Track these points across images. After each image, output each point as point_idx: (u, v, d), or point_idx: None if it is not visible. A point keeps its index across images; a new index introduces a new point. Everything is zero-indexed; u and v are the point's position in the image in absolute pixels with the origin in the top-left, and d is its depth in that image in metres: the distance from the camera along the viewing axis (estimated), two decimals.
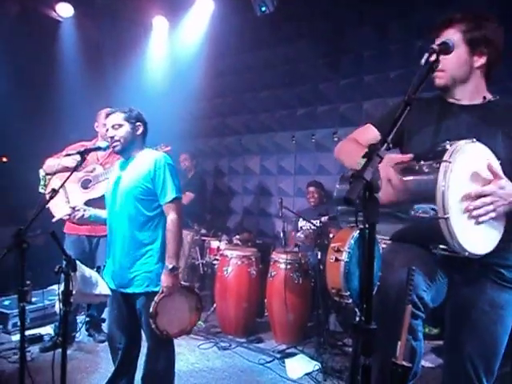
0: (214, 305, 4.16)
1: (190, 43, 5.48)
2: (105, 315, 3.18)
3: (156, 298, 2.23)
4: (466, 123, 1.51)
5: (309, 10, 4.85)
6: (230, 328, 3.95)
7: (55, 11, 5.09)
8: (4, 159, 7.42)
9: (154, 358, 2.36)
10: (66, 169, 2.35)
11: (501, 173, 1.34)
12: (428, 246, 1.34)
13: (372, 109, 4.45)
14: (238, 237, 4.80)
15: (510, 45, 1.60)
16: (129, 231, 2.28)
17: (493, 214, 1.30)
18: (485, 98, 1.55)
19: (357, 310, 1.54)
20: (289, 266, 3.74)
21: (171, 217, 2.28)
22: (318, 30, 4.84)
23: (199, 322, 4.08)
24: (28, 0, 4.91)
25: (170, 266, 2.24)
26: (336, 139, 4.48)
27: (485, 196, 1.30)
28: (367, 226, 0.99)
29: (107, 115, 2.35)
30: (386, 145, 1.06)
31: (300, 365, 3.29)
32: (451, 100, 1.58)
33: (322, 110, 4.95)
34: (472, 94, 1.56)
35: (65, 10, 5.12)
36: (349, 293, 1.59)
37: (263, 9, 4.69)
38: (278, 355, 3.47)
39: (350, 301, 1.62)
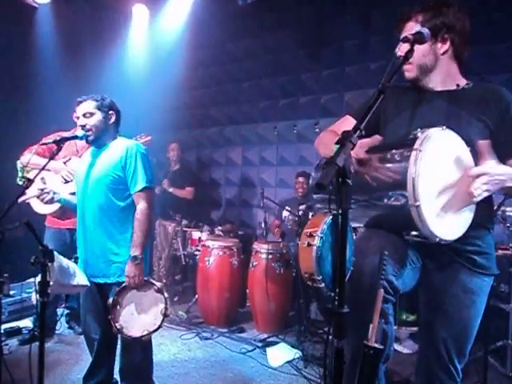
0: (196, 295, 4.16)
1: (170, 32, 5.41)
2: None
3: (118, 288, 2.20)
4: (440, 109, 1.54)
5: (291, 0, 4.84)
6: (212, 318, 3.97)
7: None
8: None
9: (130, 350, 2.31)
10: (37, 165, 2.30)
11: (487, 155, 1.37)
12: (401, 233, 1.36)
13: (353, 100, 4.48)
14: (220, 228, 4.80)
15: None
16: (99, 221, 2.24)
17: (486, 194, 1.32)
18: (458, 85, 1.57)
19: (330, 293, 1.57)
20: (270, 256, 3.76)
21: (140, 206, 2.23)
22: (300, 20, 4.83)
23: (181, 313, 4.11)
24: None
25: (133, 255, 2.18)
26: (317, 130, 4.48)
27: (483, 175, 1.31)
28: (340, 211, 1.00)
29: (78, 103, 2.28)
30: (358, 131, 1.07)
31: (281, 353, 3.33)
32: (426, 87, 1.61)
33: (304, 100, 4.96)
34: (444, 79, 1.58)
35: None
36: (321, 277, 1.61)
37: None
38: (260, 344, 3.51)
39: (323, 285, 1.65)
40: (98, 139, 2.29)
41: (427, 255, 1.56)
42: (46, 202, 2.37)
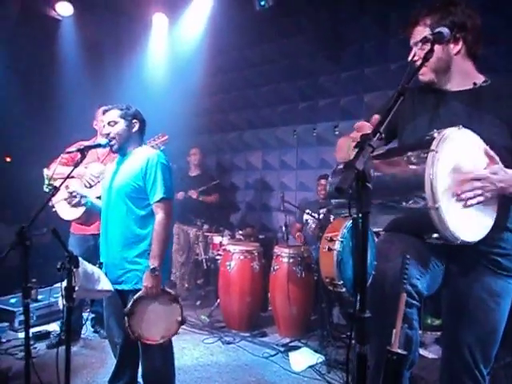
0: (218, 300, 4.18)
1: (189, 39, 5.48)
2: None
3: (134, 296, 2.22)
4: (459, 110, 1.51)
5: (308, 3, 4.83)
6: (233, 322, 3.98)
7: (55, 10, 5.10)
8: (7, 159, 7.47)
9: (149, 355, 2.33)
10: (62, 175, 2.38)
11: (497, 158, 1.34)
12: (422, 236, 1.34)
13: (373, 101, 4.43)
14: (240, 232, 4.82)
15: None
16: (120, 228, 2.28)
17: (481, 198, 1.30)
18: (475, 83, 1.53)
19: (352, 298, 1.55)
20: (291, 260, 3.75)
21: (158, 217, 2.25)
22: (317, 23, 4.82)
23: (203, 317, 4.13)
24: (28, 0, 4.92)
25: (152, 267, 2.20)
26: (337, 133, 4.46)
27: (477, 180, 1.29)
28: (360, 215, 1.00)
29: (104, 112, 2.35)
30: (378, 135, 1.06)
31: (304, 358, 3.31)
32: (443, 88, 1.58)
33: (323, 103, 4.94)
34: (460, 79, 1.55)
35: (64, 9, 5.12)
36: (342, 282, 1.59)
37: (262, 3, 4.69)
38: (282, 348, 3.50)
39: (344, 290, 1.63)
40: (121, 147, 2.35)
41: (450, 258, 1.53)
42: (74, 205, 2.43)
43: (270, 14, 4.83)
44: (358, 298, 1.00)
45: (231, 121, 5.92)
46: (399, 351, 1.14)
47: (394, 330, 1.14)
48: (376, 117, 1.22)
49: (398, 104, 1.19)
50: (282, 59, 5.22)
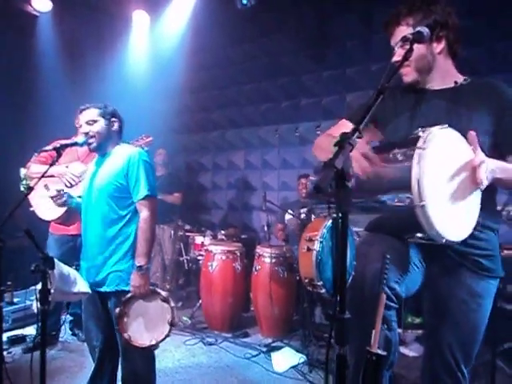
0: (200, 301, 4.14)
1: (171, 37, 5.41)
2: None
3: (123, 298, 2.18)
4: (440, 108, 1.51)
5: (291, 1, 4.82)
6: (215, 323, 3.94)
7: (31, 5, 4.97)
8: None
9: (130, 358, 2.28)
10: (39, 174, 2.32)
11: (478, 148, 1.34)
12: (403, 236, 1.33)
13: (355, 101, 4.45)
14: (223, 232, 4.78)
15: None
16: (101, 228, 2.23)
17: (486, 182, 1.29)
18: (456, 82, 1.54)
19: (331, 299, 1.54)
20: (273, 260, 3.74)
21: (143, 214, 2.22)
22: (300, 21, 4.81)
23: (185, 318, 4.09)
24: None
25: (138, 265, 2.17)
26: (319, 132, 4.46)
27: (479, 165, 1.28)
28: (340, 214, 0.98)
29: (81, 111, 2.28)
30: (357, 133, 1.05)
31: (286, 358, 3.30)
32: (424, 87, 1.58)
33: (305, 102, 4.94)
34: (442, 78, 1.55)
35: (42, 5, 4.99)
36: (321, 282, 1.58)
37: (244, 1, 4.65)
38: (264, 349, 3.48)
39: (323, 290, 1.62)
40: (100, 146, 2.29)
41: (431, 259, 1.53)
42: (60, 205, 2.37)
43: (253, 11, 4.79)
44: (338, 298, 0.98)
45: (213, 119, 5.88)
46: (379, 352, 1.13)
47: (374, 331, 1.13)
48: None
49: (378, 103, 1.17)
50: (265, 57, 5.20)
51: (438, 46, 1.52)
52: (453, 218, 1.29)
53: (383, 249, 1.37)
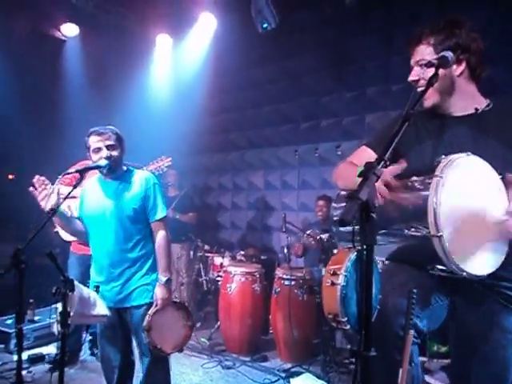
0: (218, 322, 4.09)
1: (193, 60, 5.54)
2: None
3: (150, 312, 2.28)
4: (464, 137, 1.47)
5: (311, 23, 4.87)
6: (234, 346, 3.89)
7: (60, 31, 5.17)
8: (10, 176, 7.48)
9: (153, 370, 2.35)
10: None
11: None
12: (425, 267, 1.28)
13: (375, 122, 4.42)
14: (242, 252, 4.75)
15: None
16: (122, 248, 2.32)
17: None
18: (477, 109, 1.50)
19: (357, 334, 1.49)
20: (293, 283, 3.68)
21: (162, 233, 2.38)
22: (320, 43, 4.85)
23: (203, 340, 4.04)
24: (35, 21, 4.99)
25: (165, 279, 2.32)
26: (339, 153, 4.45)
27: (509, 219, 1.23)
28: (365, 247, 0.95)
29: (99, 134, 2.32)
30: (382, 163, 1.03)
31: None
32: (446, 113, 1.55)
33: (325, 123, 4.93)
34: (463, 103, 1.52)
35: (70, 30, 5.20)
36: (346, 318, 1.53)
37: (265, 25, 4.72)
38: (283, 374, 3.40)
39: (348, 327, 1.56)
40: (116, 170, 2.36)
41: (456, 292, 1.47)
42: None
43: (273, 34, 4.86)
44: (363, 335, 0.94)
45: (233, 140, 5.92)
46: None
47: (401, 370, 1.08)
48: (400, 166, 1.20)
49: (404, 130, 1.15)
50: (285, 78, 5.24)
51: (458, 69, 1.49)
52: (476, 250, 1.24)
53: (408, 283, 1.32)
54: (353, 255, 1.66)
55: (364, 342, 0.95)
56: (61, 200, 2.14)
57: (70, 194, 2.16)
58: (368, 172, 0.98)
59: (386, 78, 4.33)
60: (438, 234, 1.16)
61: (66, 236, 3.18)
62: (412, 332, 1.15)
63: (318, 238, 3.77)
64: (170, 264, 2.40)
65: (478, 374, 1.44)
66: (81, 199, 2.46)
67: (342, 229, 1.35)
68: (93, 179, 2.47)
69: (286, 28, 4.79)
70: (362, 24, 4.46)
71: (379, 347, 0.99)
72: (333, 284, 1.70)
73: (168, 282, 2.34)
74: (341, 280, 1.68)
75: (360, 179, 0.98)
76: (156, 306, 2.29)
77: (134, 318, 2.32)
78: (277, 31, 4.75)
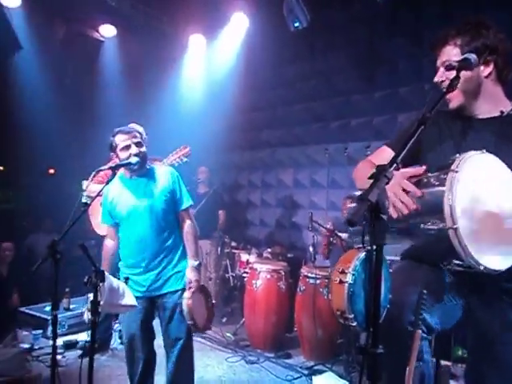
0: (244, 318, 4.16)
1: (225, 59, 5.62)
2: None
3: (187, 295, 2.42)
4: (485, 139, 1.45)
5: (342, 23, 4.86)
6: (258, 342, 3.94)
7: (98, 32, 5.38)
8: (51, 171, 7.85)
9: (184, 358, 2.49)
10: (94, 192, 2.51)
11: None
12: (440, 264, 1.28)
13: (407, 121, 4.35)
14: (269, 250, 4.80)
15: None
16: (157, 239, 2.46)
17: None
18: (502, 112, 1.48)
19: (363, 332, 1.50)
20: (318, 282, 3.69)
21: (189, 221, 2.56)
22: (351, 42, 4.84)
23: (228, 335, 4.12)
24: (74, 23, 5.22)
25: (196, 263, 2.50)
26: (369, 153, 4.40)
27: None
28: (374, 247, 0.98)
29: (127, 133, 2.43)
30: (394, 165, 1.05)
31: (328, 383, 3.23)
32: (470, 115, 1.53)
33: (355, 122, 4.90)
34: (489, 105, 1.50)
35: (107, 31, 5.40)
36: (353, 315, 1.55)
37: (296, 24, 4.74)
38: (306, 372, 3.43)
39: (355, 323, 1.58)
40: (143, 166, 2.47)
41: (471, 292, 1.46)
42: None
43: (305, 33, 4.88)
44: (370, 332, 0.97)
45: (263, 138, 5.98)
46: None
47: (408, 367, 1.10)
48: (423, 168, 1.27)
49: (419, 133, 1.16)
50: (316, 77, 5.24)
51: (486, 70, 1.47)
52: (492, 244, 1.23)
53: (419, 281, 1.33)
54: (362, 255, 1.67)
55: (372, 339, 0.97)
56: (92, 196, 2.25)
57: (101, 191, 2.28)
58: (379, 174, 1.00)
59: (418, 77, 4.25)
60: (454, 227, 1.17)
61: (100, 230, 3.33)
62: (419, 332, 1.16)
63: (340, 237, 3.76)
64: (198, 249, 2.57)
65: (492, 378, 1.43)
66: (105, 202, 2.55)
67: (351, 229, 1.37)
68: (116, 181, 2.53)
69: (317, 27, 4.78)
70: (394, 23, 4.41)
71: (388, 343, 1.01)
72: (341, 282, 1.73)
73: (199, 265, 2.51)
74: (348, 278, 1.70)
75: (371, 181, 1.00)
76: (190, 288, 2.42)
77: (170, 302, 2.47)
78: (308, 30, 4.76)
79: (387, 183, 1.00)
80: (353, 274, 1.64)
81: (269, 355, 3.77)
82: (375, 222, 0.97)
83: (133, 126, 2.51)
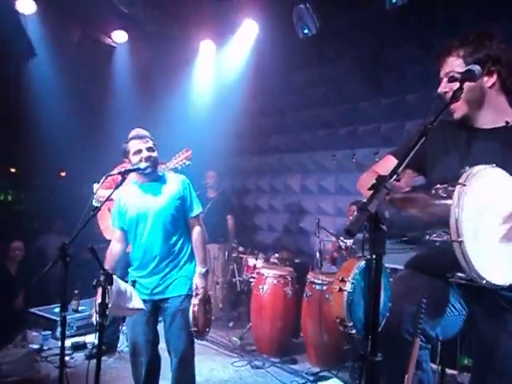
0: (250, 323, 4.18)
1: (235, 65, 5.68)
2: None
3: (195, 301, 2.46)
4: (492, 151, 1.46)
5: (351, 29, 4.88)
6: (264, 347, 3.96)
7: (111, 38, 5.48)
8: (62, 173, 7.96)
9: (185, 364, 2.50)
10: (103, 197, 2.56)
11: None
12: (444, 274, 1.29)
13: (414, 129, 4.35)
14: (276, 255, 4.82)
15: None
16: (163, 244, 2.50)
17: None
18: (507, 122, 1.48)
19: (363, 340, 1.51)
20: (324, 288, 3.69)
21: (198, 228, 2.59)
22: (360, 49, 4.86)
23: (234, 339, 4.14)
24: (87, 29, 5.32)
25: (204, 270, 2.53)
26: (377, 159, 4.40)
27: None
28: (374, 256, 1.00)
29: (139, 137, 2.49)
30: (395, 176, 1.07)
31: None
32: (475, 125, 1.54)
33: (363, 129, 4.91)
34: (493, 116, 1.52)
35: (119, 37, 5.49)
36: (352, 323, 1.57)
37: (305, 31, 4.78)
38: (311, 378, 3.44)
39: (354, 331, 1.60)
40: (154, 172, 2.52)
41: (475, 303, 1.46)
42: None
43: (314, 39, 4.91)
44: (369, 340, 0.99)
45: (272, 144, 6.01)
46: None
47: (406, 375, 1.11)
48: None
49: (420, 144, 1.18)
50: (325, 84, 5.27)
51: (489, 80, 1.48)
52: (497, 260, 1.24)
53: (417, 289, 1.34)
54: (361, 263, 1.69)
55: (371, 347, 0.99)
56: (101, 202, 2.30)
57: (110, 196, 2.33)
58: (379, 185, 1.02)
59: (426, 84, 4.24)
60: (459, 240, 1.18)
61: (107, 235, 3.41)
62: (418, 340, 1.17)
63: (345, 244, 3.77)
64: (206, 256, 2.61)
65: None
66: (118, 206, 2.61)
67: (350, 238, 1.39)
68: (128, 185, 2.59)
69: (326, 34, 4.82)
70: (402, 30, 4.42)
71: (386, 351, 1.03)
72: (340, 290, 1.75)
73: (206, 272, 2.54)
74: (348, 287, 1.72)
75: (371, 192, 1.02)
76: (197, 295, 2.46)
77: (173, 306, 2.48)
78: (317, 37, 4.79)
79: (387, 194, 1.02)
80: (352, 283, 1.66)
81: (274, 360, 3.78)
82: (375, 232, 0.99)
83: (139, 130, 2.55)
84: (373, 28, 4.67)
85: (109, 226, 3.34)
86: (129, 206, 2.55)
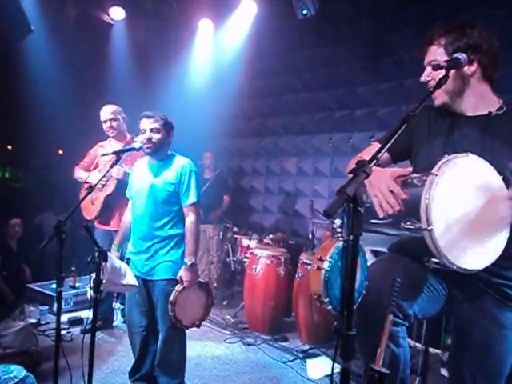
0: (243, 301, 4.27)
1: (233, 45, 5.64)
2: None
3: (177, 288, 2.46)
4: (472, 137, 1.49)
5: (350, 13, 4.85)
6: (256, 325, 4.06)
7: (108, 15, 5.42)
8: (60, 152, 7.97)
9: (169, 344, 2.54)
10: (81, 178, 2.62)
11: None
12: (421, 259, 1.35)
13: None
14: (271, 236, 4.89)
15: None
16: (152, 225, 2.52)
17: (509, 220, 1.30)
18: (490, 112, 1.51)
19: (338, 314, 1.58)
20: None
21: (191, 218, 2.53)
22: (359, 33, 4.83)
23: (228, 317, 4.25)
24: (84, 5, 5.26)
25: (190, 263, 2.47)
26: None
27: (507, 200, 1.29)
28: (351, 237, 1.05)
29: (148, 117, 2.51)
30: (374, 161, 1.11)
31: (321, 366, 3.34)
32: (457, 112, 1.56)
33: (360, 113, 4.93)
34: (475, 103, 1.53)
35: (117, 14, 5.43)
36: (328, 299, 1.64)
37: (304, 12, 4.74)
38: (301, 355, 3.54)
39: (330, 307, 1.68)
40: (155, 152, 2.54)
41: (454, 284, 1.52)
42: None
43: (313, 21, 4.88)
44: (345, 315, 1.05)
45: (268, 126, 6.02)
46: (381, 369, 1.17)
47: (379, 349, 1.18)
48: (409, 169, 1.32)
49: (402, 131, 1.22)
50: (323, 67, 5.25)
51: (469, 69, 1.49)
52: (468, 246, 1.29)
53: (392, 268, 1.39)
54: (339, 244, 1.75)
55: (345, 322, 1.05)
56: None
57: (106, 174, 2.39)
58: (358, 170, 1.07)
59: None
60: (429, 228, 1.23)
61: (87, 215, 3.54)
62: (391, 316, 1.23)
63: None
64: (196, 248, 2.51)
65: (472, 368, 1.48)
66: (130, 177, 2.73)
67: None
68: (143, 159, 2.68)
69: (325, 16, 4.79)
70: (400, 15, 4.40)
71: (364, 328, 1.09)
72: (318, 268, 1.81)
73: (192, 265, 2.47)
74: (325, 265, 1.78)
75: (351, 176, 1.07)
76: (182, 285, 2.46)
77: (157, 290, 2.52)
78: (316, 19, 4.77)
79: (366, 178, 1.06)
80: (329, 262, 1.72)
81: (266, 338, 3.89)
82: (352, 214, 1.04)
83: (159, 113, 2.56)
84: (372, 12, 4.64)
85: (86, 205, 3.52)
86: (133, 180, 2.66)
